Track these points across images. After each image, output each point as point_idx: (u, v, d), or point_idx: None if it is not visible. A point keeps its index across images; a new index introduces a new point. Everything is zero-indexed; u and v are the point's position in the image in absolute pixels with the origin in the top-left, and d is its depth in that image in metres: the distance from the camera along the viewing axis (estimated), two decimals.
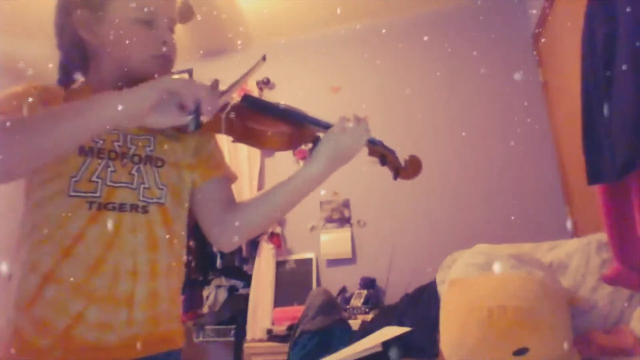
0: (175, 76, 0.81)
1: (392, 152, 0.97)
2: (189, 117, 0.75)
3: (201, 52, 3.35)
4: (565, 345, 1.40)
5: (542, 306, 1.39)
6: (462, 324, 1.46)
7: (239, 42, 3.30)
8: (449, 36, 3.02)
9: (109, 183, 0.84)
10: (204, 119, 0.77)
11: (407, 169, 0.96)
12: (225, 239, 0.98)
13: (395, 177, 0.97)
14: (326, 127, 0.93)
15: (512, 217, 2.61)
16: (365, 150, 0.95)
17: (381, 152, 0.95)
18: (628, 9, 1.16)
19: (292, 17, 3.09)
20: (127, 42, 0.87)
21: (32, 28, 2.41)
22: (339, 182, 2.93)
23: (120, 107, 0.73)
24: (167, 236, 0.88)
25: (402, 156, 0.98)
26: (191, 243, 2.87)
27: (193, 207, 0.98)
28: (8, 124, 0.70)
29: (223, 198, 0.99)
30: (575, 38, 1.47)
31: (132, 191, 0.85)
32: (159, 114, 0.76)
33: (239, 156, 3.08)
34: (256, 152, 3.15)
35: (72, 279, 0.79)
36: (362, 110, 2.99)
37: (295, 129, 0.90)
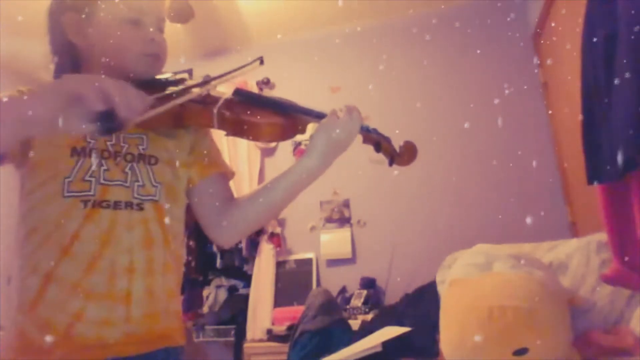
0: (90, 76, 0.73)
1: (386, 139, 0.96)
2: (95, 124, 0.65)
3: (201, 52, 3.35)
4: (565, 345, 1.40)
5: (542, 306, 1.39)
6: (462, 324, 1.46)
7: (238, 42, 3.30)
8: (449, 36, 3.02)
9: (102, 181, 0.84)
10: (125, 124, 0.67)
11: (402, 155, 0.96)
12: (225, 235, 0.98)
13: (390, 164, 0.96)
14: (318, 116, 0.92)
15: (512, 217, 2.61)
16: (364, 147, 0.95)
17: (375, 139, 0.95)
18: (628, 9, 1.16)
19: (292, 17, 3.09)
20: (115, 42, 0.88)
21: (32, 28, 2.41)
22: (339, 182, 2.93)
23: (23, 113, 0.67)
24: (163, 233, 0.88)
25: (398, 143, 0.98)
26: (191, 243, 2.88)
27: (192, 205, 0.98)
28: None
29: (221, 195, 0.99)
30: (575, 38, 1.47)
31: (126, 189, 0.85)
32: (65, 120, 0.66)
33: (238, 155, 3.08)
34: (256, 152, 3.15)
35: (70, 278, 0.79)
36: (362, 110, 2.99)
37: (288, 119, 0.90)
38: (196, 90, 0.85)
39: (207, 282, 3.05)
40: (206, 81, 0.88)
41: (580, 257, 1.67)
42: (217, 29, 3.14)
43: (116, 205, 0.84)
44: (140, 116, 0.71)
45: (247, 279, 2.93)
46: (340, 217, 3.01)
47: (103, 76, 0.69)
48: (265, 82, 3.24)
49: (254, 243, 2.93)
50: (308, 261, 2.96)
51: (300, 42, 3.28)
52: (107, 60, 0.89)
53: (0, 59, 3.03)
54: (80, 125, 0.66)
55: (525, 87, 2.80)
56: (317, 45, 3.26)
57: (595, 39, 1.31)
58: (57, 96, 0.67)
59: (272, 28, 3.17)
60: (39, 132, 0.74)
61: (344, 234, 2.97)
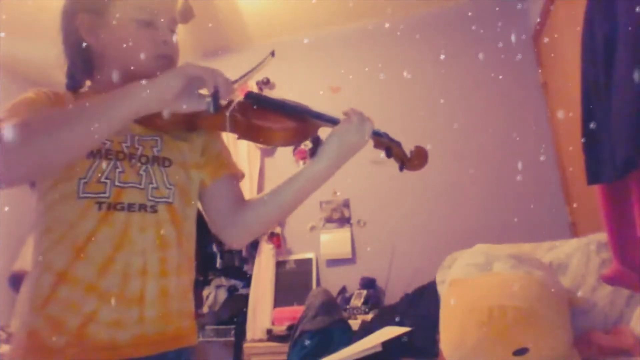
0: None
1: (397, 143, 0.96)
2: (209, 100, 0.80)
3: (201, 52, 3.35)
4: (566, 345, 1.40)
5: (542, 306, 1.39)
6: (462, 324, 1.46)
7: (238, 42, 3.30)
8: (449, 36, 3.02)
9: (117, 183, 0.84)
10: (222, 102, 0.82)
11: (412, 160, 0.96)
12: (237, 236, 0.99)
13: (401, 169, 0.96)
14: (330, 120, 0.93)
15: (512, 217, 2.61)
16: (369, 147, 0.95)
17: (386, 144, 0.95)
18: (628, 9, 1.16)
19: (292, 17, 3.09)
20: (128, 43, 0.89)
21: (33, 28, 2.41)
22: (339, 182, 2.92)
23: (148, 96, 0.76)
24: (177, 235, 0.89)
25: (408, 148, 0.98)
26: None
27: (203, 206, 0.99)
28: (36, 121, 0.73)
29: (232, 196, 1.00)
30: (575, 38, 1.47)
31: (141, 191, 0.86)
32: (182, 99, 0.80)
33: (239, 156, 3.08)
34: (256, 152, 3.15)
35: (84, 279, 0.80)
36: (362, 110, 2.99)
37: (300, 123, 0.90)
38: (255, 69, 0.92)
39: (207, 282, 3.05)
40: (243, 75, 0.91)
41: (580, 257, 1.67)
42: (217, 29, 3.13)
43: (130, 207, 0.84)
44: (230, 96, 0.85)
45: (247, 279, 2.93)
46: (340, 217, 3.01)
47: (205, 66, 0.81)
48: (265, 82, 3.24)
49: (254, 243, 2.93)
50: (308, 261, 2.96)
51: (300, 42, 3.28)
52: (119, 61, 0.90)
53: (0, 59, 3.03)
54: (198, 102, 0.81)
55: (525, 87, 2.80)
56: (317, 45, 3.26)
57: (595, 39, 1.31)
58: (181, 78, 0.78)
59: (272, 28, 3.17)
60: (160, 109, 0.81)
61: (344, 234, 2.97)
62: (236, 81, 0.87)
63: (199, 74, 0.79)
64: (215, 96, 0.79)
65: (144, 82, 0.77)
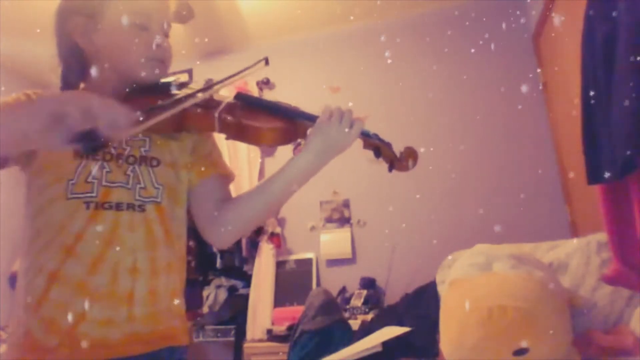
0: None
1: (387, 144, 0.95)
2: (77, 143, 0.64)
3: (201, 52, 3.35)
4: (566, 345, 1.40)
5: (542, 306, 1.39)
6: (461, 324, 1.46)
7: (238, 42, 3.30)
8: (449, 36, 3.02)
9: (104, 183, 0.85)
10: (108, 141, 0.68)
11: (402, 161, 0.95)
12: (220, 236, 0.98)
13: (390, 169, 0.95)
14: None
15: (512, 217, 2.61)
16: (361, 144, 0.95)
17: (375, 144, 0.94)
18: (628, 9, 1.16)
19: (292, 17, 3.09)
20: (121, 46, 0.89)
21: (32, 28, 2.41)
22: (339, 182, 2.93)
23: (8, 135, 0.68)
24: (165, 234, 0.89)
25: (399, 149, 0.97)
26: (191, 243, 2.88)
27: (190, 205, 0.99)
28: None
29: (218, 196, 0.99)
30: (575, 38, 1.47)
31: (128, 191, 0.86)
32: (48, 138, 0.66)
33: (238, 156, 3.08)
34: (256, 152, 3.15)
35: (74, 278, 0.80)
36: (362, 110, 2.99)
37: (289, 124, 0.91)
38: (190, 101, 0.84)
39: (207, 282, 3.05)
40: (209, 86, 0.89)
41: (580, 257, 1.67)
42: (217, 29, 3.14)
43: (118, 206, 0.85)
44: (125, 132, 0.74)
45: (247, 279, 2.93)
46: (340, 217, 3.01)
47: (88, 93, 0.72)
48: (265, 82, 3.24)
49: (254, 243, 2.93)
50: (308, 261, 2.96)
51: (300, 42, 3.28)
52: (113, 64, 0.90)
53: (0, 59, 3.03)
54: (63, 144, 0.64)
55: (525, 87, 2.80)
56: (317, 45, 3.26)
57: (595, 39, 1.31)
58: (40, 115, 0.65)
59: (272, 28, 3.17)
60: (19, 149, 0.76)
61: (344, 234, 2.97)
62: (216, 84, 0.86)
63: (62, 111, 0.63)
64: (85, 136, 0.63)
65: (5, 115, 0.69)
